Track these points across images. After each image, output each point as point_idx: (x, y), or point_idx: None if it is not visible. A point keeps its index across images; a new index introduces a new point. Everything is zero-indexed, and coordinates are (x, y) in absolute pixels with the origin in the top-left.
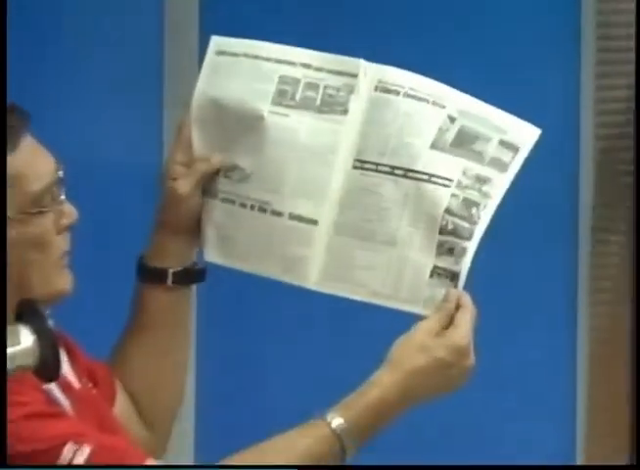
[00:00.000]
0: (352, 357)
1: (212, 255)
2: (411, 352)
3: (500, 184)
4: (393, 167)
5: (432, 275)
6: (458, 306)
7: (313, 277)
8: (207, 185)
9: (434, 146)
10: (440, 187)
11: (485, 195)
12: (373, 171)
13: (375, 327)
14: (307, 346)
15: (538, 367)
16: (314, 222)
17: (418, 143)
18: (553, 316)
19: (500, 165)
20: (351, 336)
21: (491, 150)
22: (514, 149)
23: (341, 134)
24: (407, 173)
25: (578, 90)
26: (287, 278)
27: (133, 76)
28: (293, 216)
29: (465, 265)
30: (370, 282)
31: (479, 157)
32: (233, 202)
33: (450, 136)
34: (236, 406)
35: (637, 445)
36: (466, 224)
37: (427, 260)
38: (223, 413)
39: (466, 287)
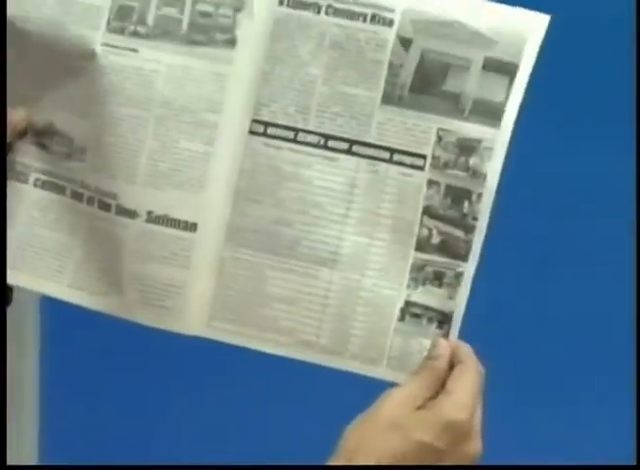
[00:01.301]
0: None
1: (17, 273)
2: (377, 434)
3: (496, 146)
4: (327, 137)
5: (402, 317)
6: (452, 365)
7: (194, 317)
8: (8, 159)
9: (387, 99)
10: (411, 170)
11: (476, 173)
12: (289, 142)
13: None
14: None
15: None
16: (191, 227)
17: (363, 95)
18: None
19: (490, 111)
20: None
21: (472, 85)
22: (509, 70)
23: (227, 80)
24: (352, 148)
25: None
26: (148, 319)
27: None
28: (155, 218)
29: (461, 301)
30: (293, 325)
31: (454, 105)
32: (61, 189)
33: (408, 76)
34: (82, 407)
35: (637, 445)
36: (459, 232)
37: (393, 292)
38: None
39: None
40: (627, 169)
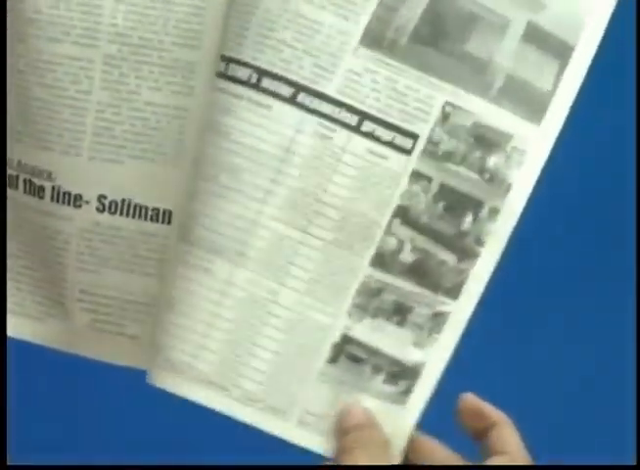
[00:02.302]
0: None
1: None
2: None
3: (532, 150)
4: (262, 73)
5: (335, 357)
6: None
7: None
8: None
9: (371, 40)
10: (388, 150)
11: (494, 179)
12: (220, 78)
13: None
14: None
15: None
16: (165, 216)
17: (331, 25)
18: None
19: (530, 98)
20: None
21: (508, 55)
22: (560, 51)
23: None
24: (298, 96)
25: None
26: (101, 353)
27: None
28: (110, 205)
29: (439, 354)
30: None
31: (477, 74)
32: None
33: (411, 15)
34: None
35: (637, 445)
36: (448, 255)
37: (325, 319)
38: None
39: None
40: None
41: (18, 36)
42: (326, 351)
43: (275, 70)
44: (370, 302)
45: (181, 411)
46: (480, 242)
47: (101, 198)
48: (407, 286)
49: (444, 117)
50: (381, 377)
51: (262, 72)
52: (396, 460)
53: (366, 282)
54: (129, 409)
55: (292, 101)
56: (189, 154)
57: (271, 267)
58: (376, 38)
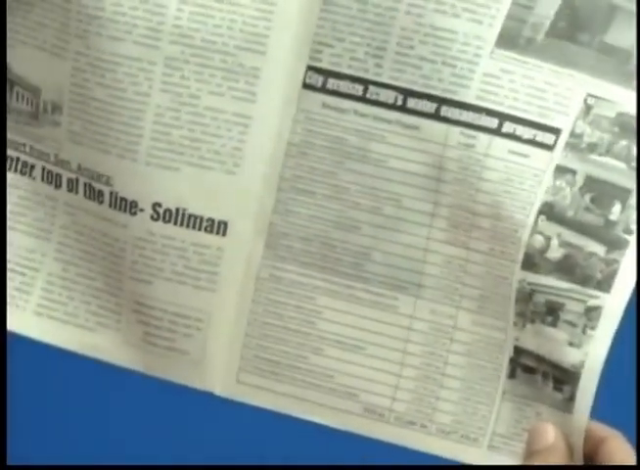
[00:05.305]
0: None
1: None
2: None
3: None
4: (406, 93)
5: (513, 372)
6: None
7: (218, 368)
8: None
9: (506, 41)
10: (529, 148)
11: None
12: (356, 101)
13: None
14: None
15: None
16: (220, 228)
17: (464, 31)
18: None
19: None
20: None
21: None
22: None
23: (275, 4)
24: (440, 110)
25: None
26: (152, 366)
27: None
28: (165, 214)
29: (596, 352)
30: (358, 383)
31: (620, 65)
32: (28, 168)
33: (547, 12)
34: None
35: (637, 444)
36: (597, 246)
37: (499, 335)
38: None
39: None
40: None
41: (76, 31)
42: (505, 367)
43: (417, 88)
44: (526, 307)
45: (181, 411)
46: (629, 231)
47: (155, 206)
48: (556, 283)
49: (587, 108)
50: (550, 384)
51: (406, 92)
52: None
53: (520, 287)
54: (129, 409)
55: (436, 116)
56: (249, 164)
57: (446, 292)
58: (511, 38)
